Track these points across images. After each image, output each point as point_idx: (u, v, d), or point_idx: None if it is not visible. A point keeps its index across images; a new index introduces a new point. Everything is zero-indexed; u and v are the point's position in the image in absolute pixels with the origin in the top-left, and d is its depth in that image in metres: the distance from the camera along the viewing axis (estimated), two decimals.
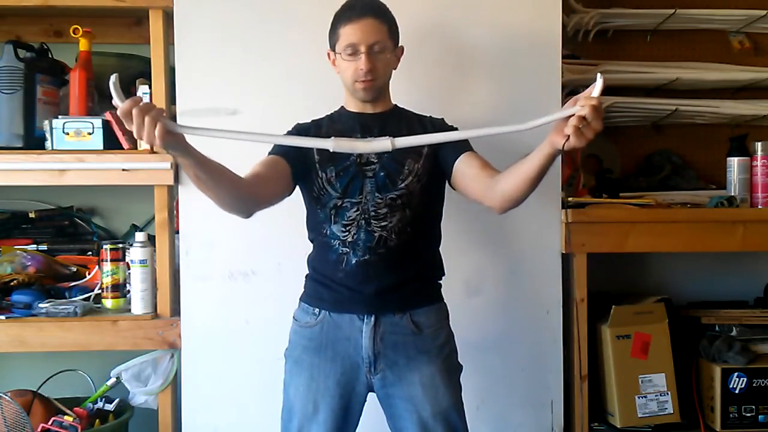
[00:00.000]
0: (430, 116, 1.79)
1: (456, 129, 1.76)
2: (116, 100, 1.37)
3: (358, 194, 1.67)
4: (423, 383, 1.66)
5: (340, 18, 1.67)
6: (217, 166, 1.51)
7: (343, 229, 1.67)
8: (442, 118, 1.79)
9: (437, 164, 1.71)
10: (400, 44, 1.75)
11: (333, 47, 1.71)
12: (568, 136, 1.34)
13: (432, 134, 1.59)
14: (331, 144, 1.49)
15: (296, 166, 1.68)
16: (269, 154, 1.69)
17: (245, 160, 1.62)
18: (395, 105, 1.80)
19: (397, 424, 1.69)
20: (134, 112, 1.33)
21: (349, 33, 1.64)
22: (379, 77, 1.68)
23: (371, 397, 1.71)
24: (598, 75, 1.35)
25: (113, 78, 1.38)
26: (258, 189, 1.61)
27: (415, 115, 1.80)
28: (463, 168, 1.68)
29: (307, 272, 1.77)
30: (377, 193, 1.67)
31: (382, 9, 1.69)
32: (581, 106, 1.32)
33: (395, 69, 1.76)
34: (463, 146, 1.70)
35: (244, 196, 1.58)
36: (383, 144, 1.48)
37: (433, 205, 1.76)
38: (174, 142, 1.38)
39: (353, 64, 1.66)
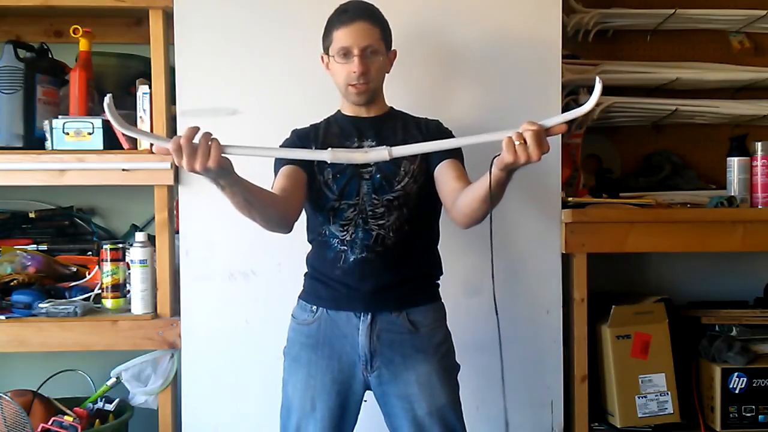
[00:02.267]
0: (426, 118, 1.79)
1: (450, 132, 1.76)
2: (113, 123, 1.39)
3: (354, 196, 1.67)
4: (419, 382, 1.66)
5: (334, 22, 1.68)
6: (260, 188, 1.53)
7: (341, 229, 1.68)
8: (437, 120, 1.79)
9: (428, 161, 1.72)
10: (393, 48, 1.75)
11: (327, 51, 1.71)
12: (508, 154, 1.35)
13: (428, 142, 1.58)
14: (328, 156, 1.50)
15: (307, 171, 1.69)
16: (281, 165, 1.69)
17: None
18: (391, 108, 1.80)
19: (393, 422, 1.69)
20: (183, 142, 1.33)
21: (341, 36, 1.65)
22: (372, 81, 1.68)
23: (370, 396, 1.71)
24: (597, 79, 1.36)
25: (108, 99, 1.39)
26: (291, 202, 1.63)
27: (411, 117, 1.80)
28: (439, 175, 1.69)
29: (306, 271, 1.77)
30: (374, 194, 1.67)
31: (374, 12, 1.70)
32: (524, 129, 1.33)
33: (388, 72, 1.76)
34: (448, 152, 1.69)
35: (286, 211, 1.61)
36: (381, 154, 1.49)
37: (431, 204, 1.76)
38: (227, 165, 1.39)
39: (346, 68, 1.66)
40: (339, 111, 1.79)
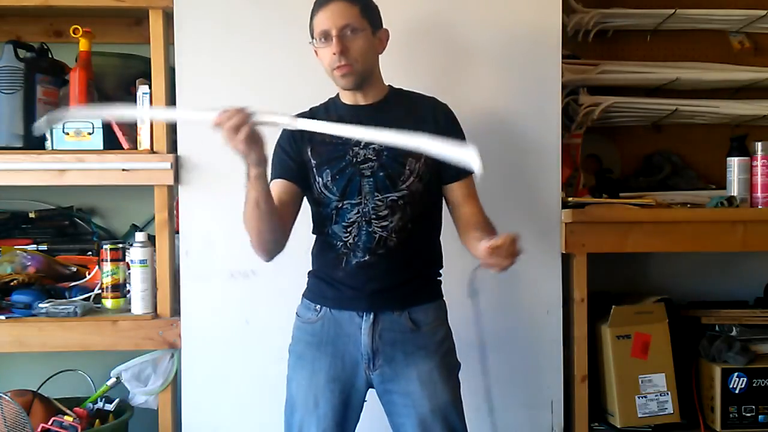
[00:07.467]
0: (433, 99, 1.76)
1: (457, 122, 1.74)
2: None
3: (356, 195, 1.66)
4: (421, 379, 1.66)
5: (313, 8, 1.66)
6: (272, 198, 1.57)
7: (345, 231, 1.67)
8: (445, 106, 1.76)
9: (438, 165, 1.67)
10: (384, 27, 1.71)
11: (313, 39, 1.69)
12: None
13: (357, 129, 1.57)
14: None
15: (300, 181, 1.69)
16: (274, 176, 1.69)
17: None
18: (389, 88, 1.75)
19: (395, 420, 1.70)
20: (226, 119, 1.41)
21: (320, 20, 1.63)
22: (356, 62, 1.63)
23: (372, 394, 1.72)
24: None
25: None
26: (285, 218, 1.65)
27: (412, 100, 1.75)
28: (451, 193, 1.73)
29: (310, 269, 1.78)
30: (377, 193, 1.65)
31: None
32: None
33: (381, 53, 1.71)
34: (465, 169, 1.58)
35: (281, 228, 1.63)
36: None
37: (434, 198, 1.75)
38: (259, 149, 1.45)
39: (328, 51, 1.63)
40: (338, 96, 1.76)
